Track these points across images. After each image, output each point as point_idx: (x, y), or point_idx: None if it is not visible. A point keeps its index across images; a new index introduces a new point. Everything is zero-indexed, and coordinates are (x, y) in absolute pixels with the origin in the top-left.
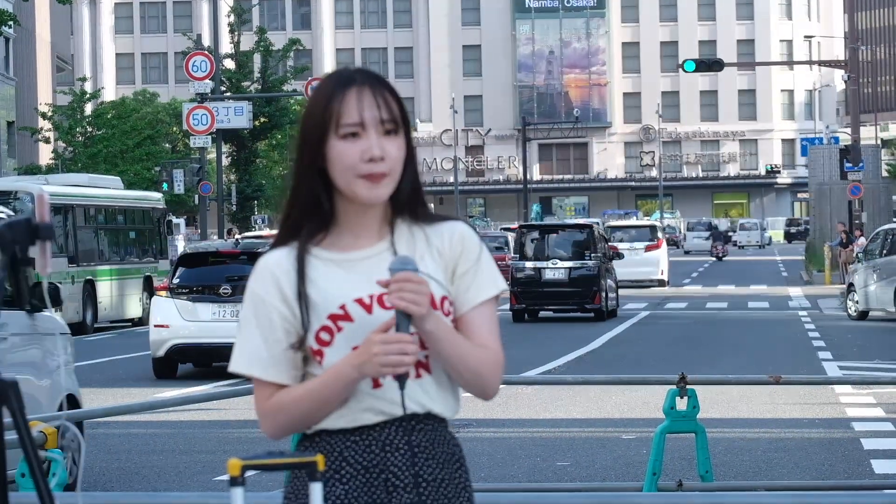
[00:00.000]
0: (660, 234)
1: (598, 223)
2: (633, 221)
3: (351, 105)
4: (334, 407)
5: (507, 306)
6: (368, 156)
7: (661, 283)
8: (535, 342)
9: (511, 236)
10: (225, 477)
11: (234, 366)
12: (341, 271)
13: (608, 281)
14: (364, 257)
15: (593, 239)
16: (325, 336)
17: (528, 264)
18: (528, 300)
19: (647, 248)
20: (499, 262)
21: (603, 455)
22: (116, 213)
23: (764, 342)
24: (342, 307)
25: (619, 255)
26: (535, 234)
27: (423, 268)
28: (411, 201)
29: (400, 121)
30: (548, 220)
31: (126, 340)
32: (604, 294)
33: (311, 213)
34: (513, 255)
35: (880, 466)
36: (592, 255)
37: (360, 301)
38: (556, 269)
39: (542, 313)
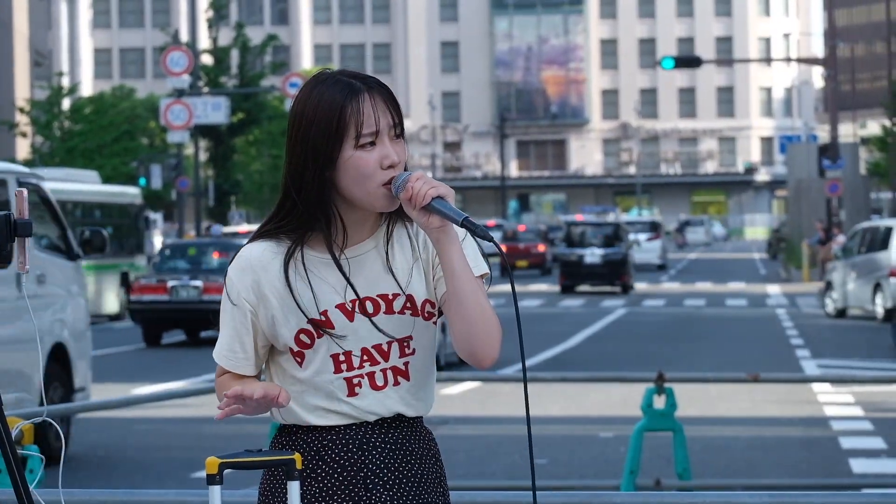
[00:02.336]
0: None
1: (623, 222)
2: (639, 217)
3: (369, 115)
4: (249, 412)
5: (558, 282)
6: (388, 163)
7: (660, 266)
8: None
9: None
10: (202, 473)
11: (214, 352)
12: (326, 271)
13: (630, 264)
14: (351, 256)
15: (619, 232)
16: (305, 339)
17: (574, 251)
18: (573, 278)
19: (649, 239)
20: (537, 251)
21: (580, 453)
22: (94, 207)
23: (742, 340)
24: (323, 313)
25: (637, 244)
26: (579, 229)
27: (410, 278)
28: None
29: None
30: (590, 219)
31: (103, 336)
32: (627, 274)
33: (314, 218)
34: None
35: (858, 465)
36: (619, 244)
37: (341, 307)
38: (593, 255)
39: (580, 287)
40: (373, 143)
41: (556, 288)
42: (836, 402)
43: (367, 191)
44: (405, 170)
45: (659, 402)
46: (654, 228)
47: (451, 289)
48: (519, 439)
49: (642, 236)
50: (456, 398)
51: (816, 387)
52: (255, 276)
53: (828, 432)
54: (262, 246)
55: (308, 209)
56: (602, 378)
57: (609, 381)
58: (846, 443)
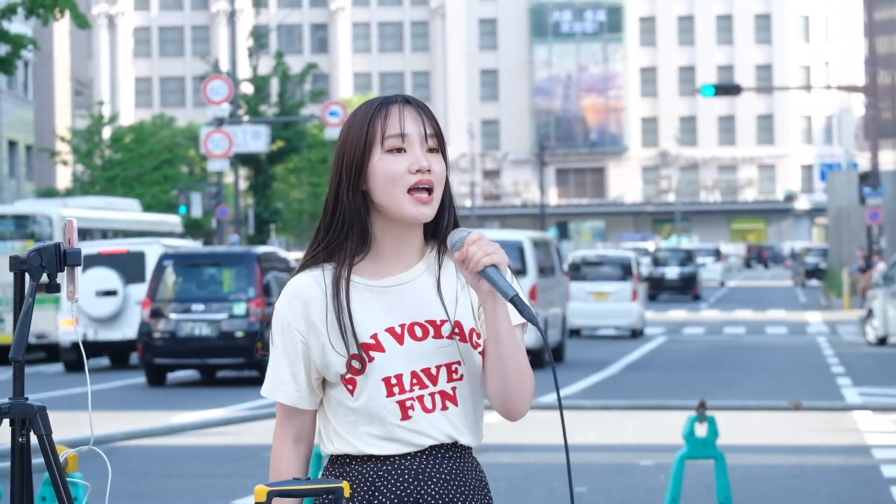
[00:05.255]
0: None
1: (693, 249)
2: (707, 245)
3: (394, 119)
4: None
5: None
6: (416, 167)
7: (721, 283)
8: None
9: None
10: (244, 501)
11: (263, 390)
12: (374, 298)
13: (699, 279)
14: (398, 283)
15: (690, 256)
16: (356, 364)
17: (658, 269)
18: (657, 289)
19: (714, 262)
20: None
21: (621, 481)
22: (134, 236)
23: (783, 368)
24: (374, 336)
25: (703, 265)
26: (661, 253)
27: (458, 305)
28: (453, 223)
29: (441, 139)
30: (668, 245)
31: None
32: (696, 287)
33: (351, 236)
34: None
35: None
36: (691, 264)
37: (391, 331)
38: (672, 272)
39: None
40: (403, 150)
41: None
42: (877, 430)
43: (395, 196)
44: (447, 185)
45: (700, 431)
46: (717, 253)
47: (491, 349)
48: (558, 467)
49: (708, 259)
50: (495, 426)
51: (857, 415)
52: (304, 306)
53: (869, 461)
54: (309, 276)
55: (345, 226)
56: (643, 406)
57: (650, 409)
58: (888, 471)
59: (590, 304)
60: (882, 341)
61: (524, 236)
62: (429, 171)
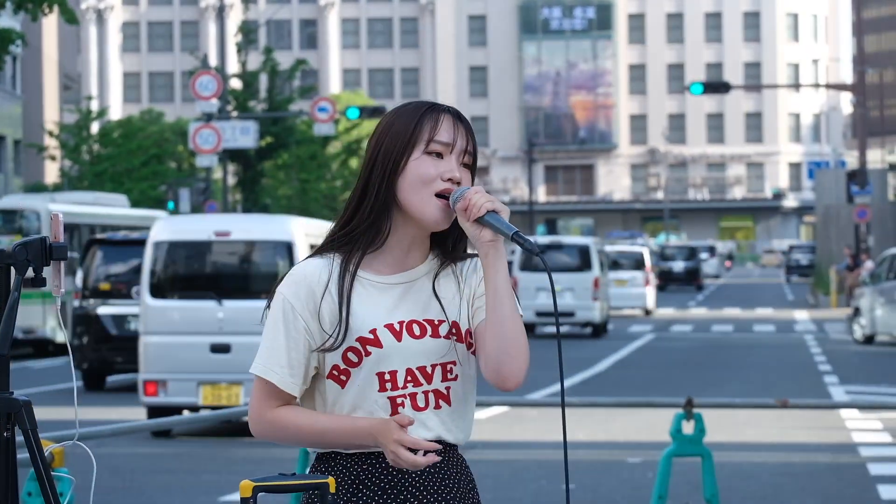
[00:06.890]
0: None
1: (695, 245)
2: (703, 243)
3: (447, 127)
4: (336, 448)
5: (656, 283)
6: (448, 176)
7: (715, 276)
8: (545, 361)
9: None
10: (230, 496)
11: (255, 367)
12: (376, 293)
13: (701, 272)
14: (400, 282)
15: (694, 252)
16: (353, 357)
17: (666, 263)
18: (665, 281)
19: (709, 258)
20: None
21: (608, 478)
22: (122, 231)
23: (770, 366)
24: (372, 332)
25: (704, 259)
26: (668, 250)
27: (456, 308)
28: (457, 238)
29: (475, 160)
30: (675, 243)
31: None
32: (699, 278)
33: (369, 229)
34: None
35: (887, 492)
36: (694, 259)
37: (390, 327)
38: (678, 266)
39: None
40: (440, 156)
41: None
42: (864, 428)
43: (422, 198)
44: None
45: (687, 428)
46: (711, 250)
47: (491, 305)
48: (546, 464)
49: (704, 255)
50: (484, 422)
51: (844, 413)
52: (310, 293)
53: (856, 459)
54: (319, 263)
55: (369, 216)
56: (630, 403)
57: (638, 406)
58: (874, 469)
59: (611, 290)
60: (869, 340)
61: (590, 241)
62: (458, 183)
